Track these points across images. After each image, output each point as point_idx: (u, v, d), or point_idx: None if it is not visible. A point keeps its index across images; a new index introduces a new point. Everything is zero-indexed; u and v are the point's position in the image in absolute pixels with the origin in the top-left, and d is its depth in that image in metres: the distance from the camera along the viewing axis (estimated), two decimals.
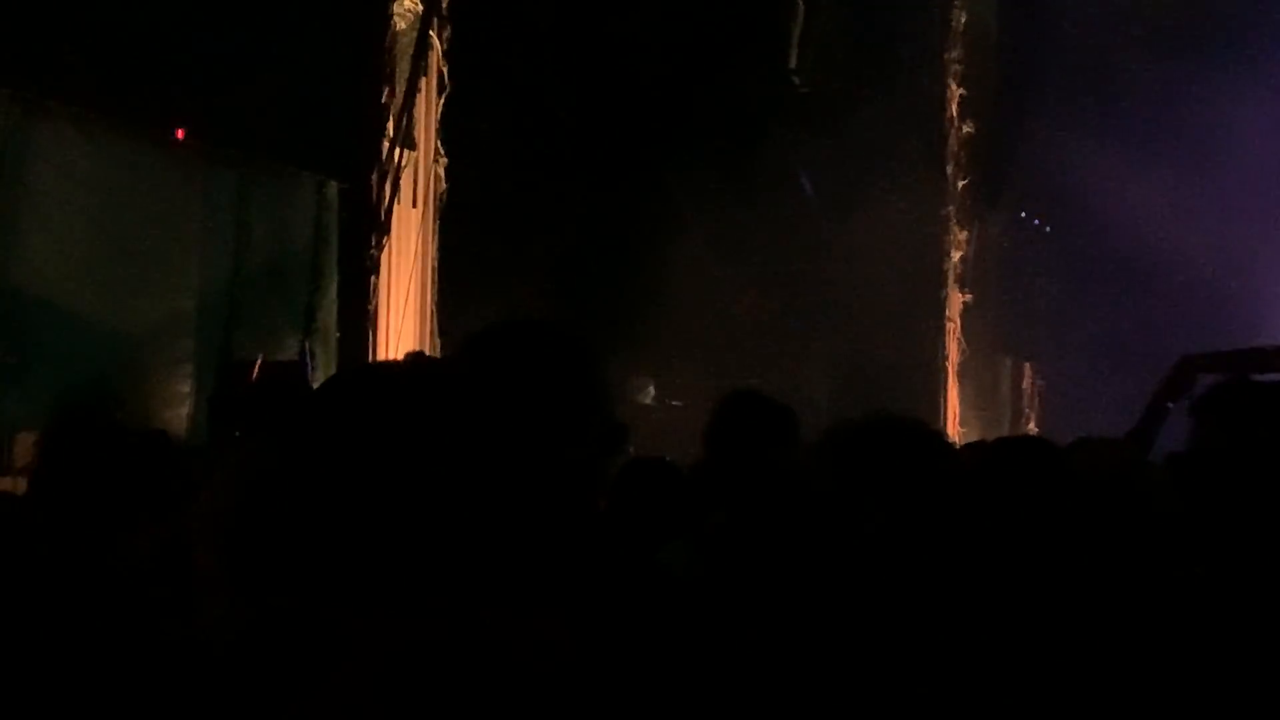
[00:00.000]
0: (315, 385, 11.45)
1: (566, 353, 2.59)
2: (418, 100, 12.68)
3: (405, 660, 1.55)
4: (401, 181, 12.53)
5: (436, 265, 12.94)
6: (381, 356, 12.31)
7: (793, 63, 17.27)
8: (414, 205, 12.73)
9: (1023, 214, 18.66)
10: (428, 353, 12.62)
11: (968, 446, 5.22)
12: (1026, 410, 18.53)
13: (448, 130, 13.01)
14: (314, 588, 1.57)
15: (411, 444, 1.63)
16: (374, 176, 12.42)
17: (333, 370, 12.34)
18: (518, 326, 2.68)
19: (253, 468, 1.66)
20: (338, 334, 12.49)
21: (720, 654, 2.64)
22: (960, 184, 17.74)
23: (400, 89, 12.57)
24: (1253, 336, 14.93)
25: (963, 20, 17.82)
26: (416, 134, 12.74)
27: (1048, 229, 18.70)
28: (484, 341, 2.62)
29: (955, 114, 17.77)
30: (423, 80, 12.73)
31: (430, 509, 1.61)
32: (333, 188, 12.61)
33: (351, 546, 1.58)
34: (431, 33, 12.74)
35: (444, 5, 12.81)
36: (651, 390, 14.52)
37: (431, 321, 12.80)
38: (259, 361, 10.67)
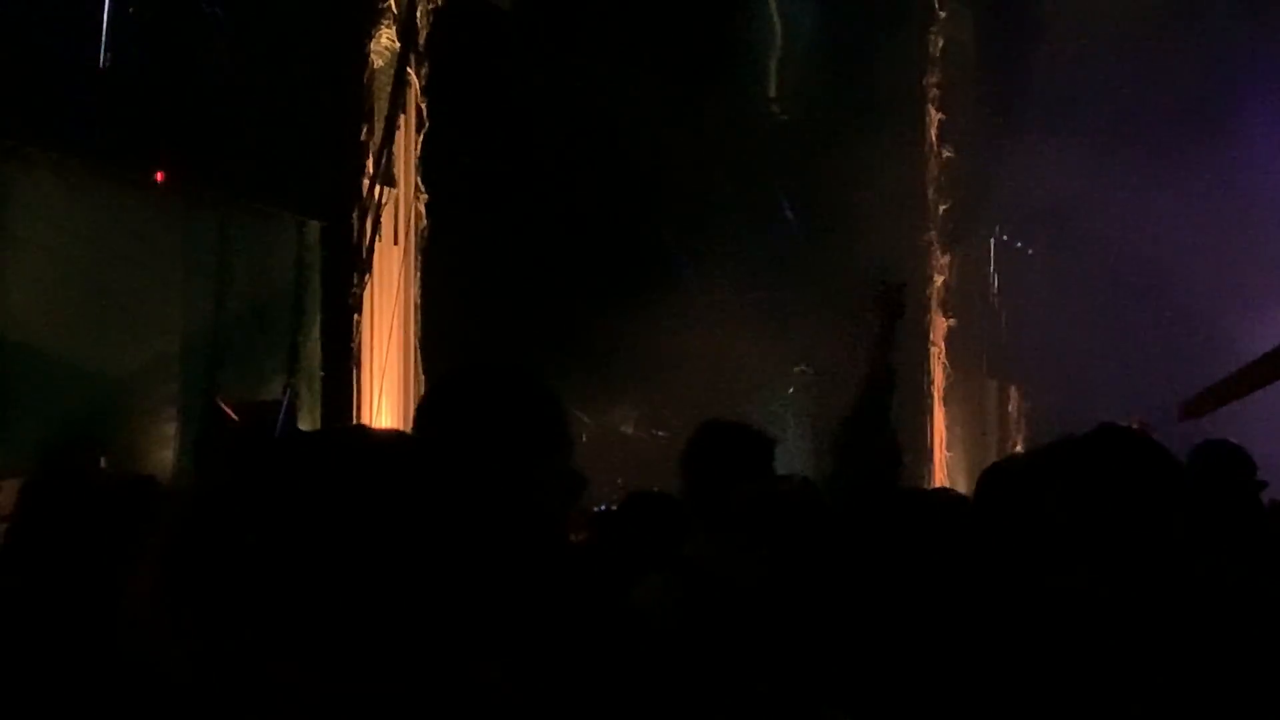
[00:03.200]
0: (299, 424, 11.47)
1: (526, 398, 2.59)
2: (397, 138, 12.69)
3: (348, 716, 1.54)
4: (382, 219, 12.54)
5: (419, 302, 12.93)
6: (366, 394, 12.30)
7: (771, 91, 17.33)
8: (395, 243, 12.73)
9: (1005, 237, 18.70)
10: (410, 391, 12.62)
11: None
12: (1013, 433, 18.55)
13: (427, 167, 13.02)
14: (258, 642, 1.57)
15: (356, 502, 1.63)
16: (355, 215, 12.42)
17: (318, 408, 12.34)
18: (477, 373, 2.69)
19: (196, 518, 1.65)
20: (322, 373, 12.47)
21: (690, 701, 2.64)
22: (941, 209, 17.77)
23: (379, 127, 12.58)
24: (1240, 356, 14.96)
25: (940, 45, 17.88)
26: (396, 171, 12.75)
27: (1030, 251, 18.74)
28: (443, 391, 2.63)
29: (935, 139, 17.81)
30: (401, 117, 12.74)
31: (372, 567, 1.60)
32: (314, 227, 12.61)
33: (298, 602, 1.57)
34: (409, 70, 12.76)
35: (421, 42, 12.84)
36: (634, 420, 14.52)
37: (415, 358, 12.79)
38: (237, 404, 10.67)
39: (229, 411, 9.96)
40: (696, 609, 3.44)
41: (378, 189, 12.47)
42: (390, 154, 12.59)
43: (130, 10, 10.72)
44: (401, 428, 12.41)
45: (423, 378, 12.74)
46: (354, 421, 12.25)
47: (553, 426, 2.58)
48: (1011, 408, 18.89)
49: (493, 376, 2.63)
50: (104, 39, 10.56)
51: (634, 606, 3.40)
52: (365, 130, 12.55)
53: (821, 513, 4.03)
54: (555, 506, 2.54)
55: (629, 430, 14.55)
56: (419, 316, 12.92)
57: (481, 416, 2.50)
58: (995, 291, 17.94)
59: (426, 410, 2.60)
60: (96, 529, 3.95)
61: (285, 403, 11.00)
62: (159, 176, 11.43)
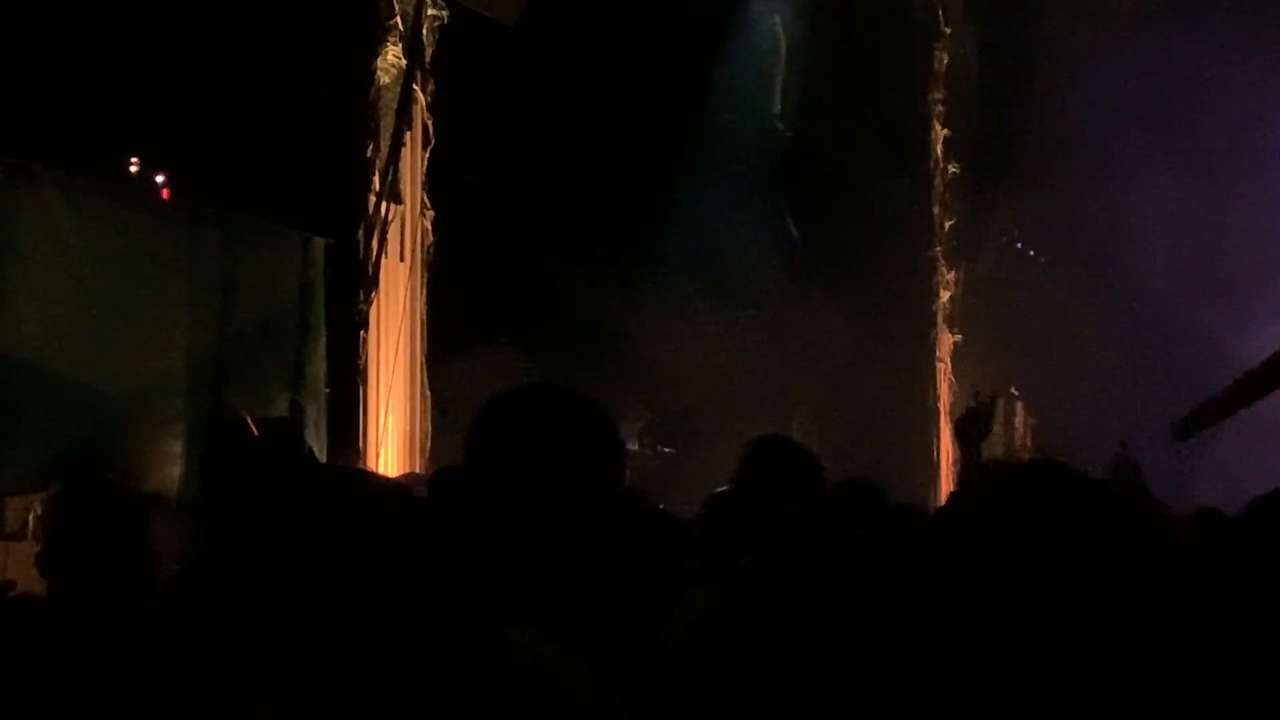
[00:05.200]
0: (308, 442, 11.45)
1: (585, 422, 2.56)
2: (403, 154, 12.69)
3: None
4: (388, 236, 12.53)
5: (425, 318, 12.92)
6: (372, 411, 12.28)
7: (777, 107, 17.33)
8: (401, 259, 12.73)
9: (1017, 246, 18.67)
10: (417, 408, 12.62)
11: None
12: (1020, 449, 18.50)
13: (433, 183, 13.01)
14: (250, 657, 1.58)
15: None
16: (361, 231, 12.42)
17: (324, 425, 12.32)
18: (535, 395, 2.66)
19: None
20: (327, 390, 12.45)
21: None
22: (948, 224, 17.76)
23: (385, 143, 12.58)
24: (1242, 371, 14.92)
25: (944, 61, 17.88)
26: (402, 188, 12.75)
27: (1041, 258, 18.71)
28: (500, 412, 2.58)
29: (940, 155, 17.80)
30: (407, 134, 12.74)
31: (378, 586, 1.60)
32: (319, 244, 12.61)
33: (293, 618, 1.57)
34: (415, 86, 12.76)
35: (427, 59, 12.84)
36: (638, 436, 14.47)
37: (421, 375, 12.77)
38: (255, 420, 10.67)
39: (251, 426, 9.97)
40: (753, 616, 3.46)
41: (384, 205, 12.47)
42: (396, 170, 12.59)
43: (137, 29, 10.73)
44: (407, 444, 12.42)
45: (429, 394, 12.73)
46: (360, 437, 12.24)
47: (611, 451, 2.57)
48: (1018, 423, 18.85)
49: (550, 399, 2.61)
50: (110, 57, 10.57)
51: (690, 614, 3.42)
52: (371, 147, 12.55)
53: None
54: (609, 527, 2.51)
55: (634, 446, 14.50)
56: (425, 333, 12.90)
57: (541, 441, 2.49)
58: (1002, 306, 17.90)
59: (484, 432, 2.54)
60: (120, 547, 3.98)
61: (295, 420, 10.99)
62: (164, 193, 11.44)
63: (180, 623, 3.60)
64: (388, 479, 1.76)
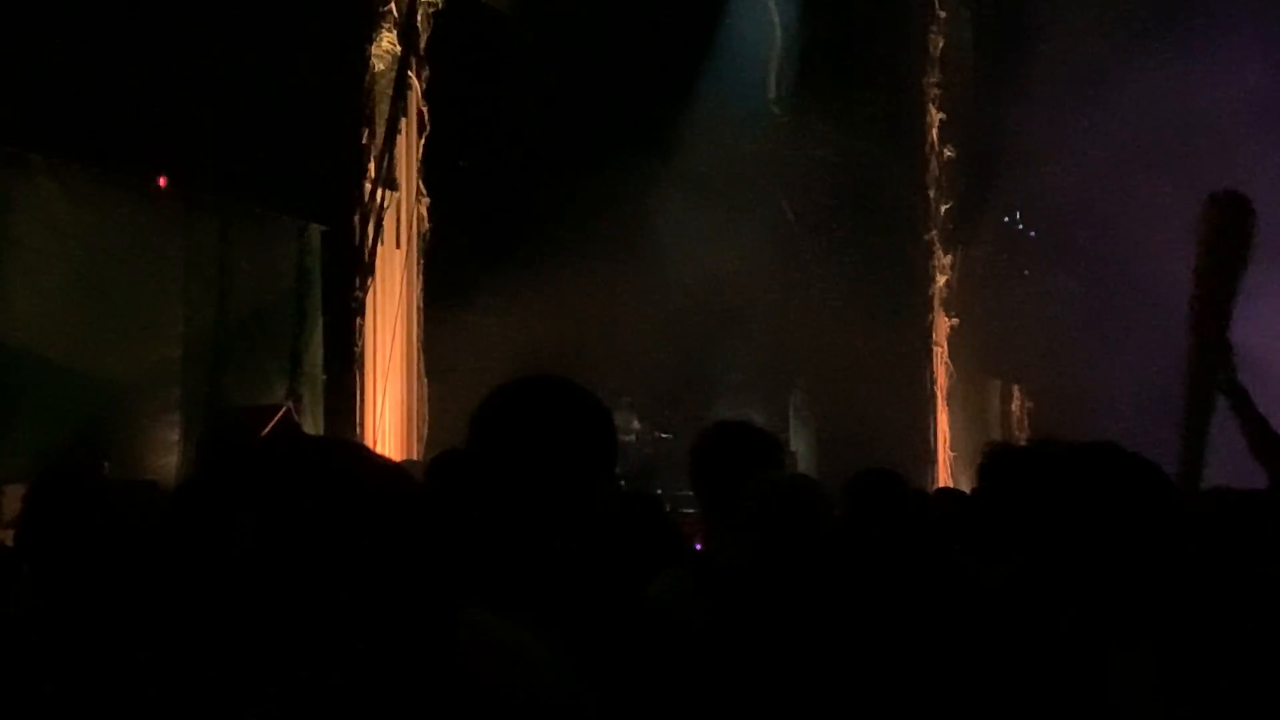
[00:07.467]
0: (303, 428, 11.45)
1: (584, 415, 2.57)
2: (398, 141, 12.68)
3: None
4: (384, 223, 12.53)
5: (421, 305, 12.93)
6: (369, 397, 12.29)
7: (771, 92, 17.33)
8: (397, 246, 12.73)
9: (1001, 224, 18.66)
10: (413, 394, 12.62)
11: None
12: (1016, 432, 18.53)
13: (429, 170, 13.01)
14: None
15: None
16: (356, 218, 12.41)
17: (320, 411, 12.33)
18: (535, 388, 2.65)
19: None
20: (324, 376, 12.46)
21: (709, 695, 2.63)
22: (943, 208, 17.77)
23: (380, 130, 12.57)
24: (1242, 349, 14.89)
25: (940, 46, 17.88)
26: (398, 174, 12.74)
27: (1037, 242, 18.71)
28: (502, 405, 2.59)
29: (936, 139, 17.81)
30: (403, 121, 12.74)
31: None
32: (315, 231, 12.61)
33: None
34: (410, 73, 12.76)
35: (422, 46, 12.83)
36: (635, 424, 14.46)
37: (418, 361, 12.78)
38: (246, 408, 10.68)
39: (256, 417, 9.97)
40: (713, 600, 3.46)
41: (379, 192, 12.47)
42: (392, 157, 12.59)
43: (132, 16, 10.72)
44: (404, 430, 12.43)
45: (425, 380, 12.73)
46: (357, 424, 12.25)
47: (607, 444, 2.59)
48: (1014, 407, 18.88)
49: (552, 391, 2.61)
50: (106, 45, 10.56)
51: (653, 601, 3.42)
52: (366, 134, 12.55)
53: (818, 505, 4.10)
54: (608, 520, 2.54)
55: (631, 438, 14.50)
56: (421, 319, 12.91)
57: (542, 433, 2.52)
58: (998, 291, 17.92)
59: (486, 420, 2.56)
60: (99, 533, 3.94)
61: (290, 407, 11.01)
62: (160, 181, 11.43)
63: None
64: (384, 458, 1.73)
